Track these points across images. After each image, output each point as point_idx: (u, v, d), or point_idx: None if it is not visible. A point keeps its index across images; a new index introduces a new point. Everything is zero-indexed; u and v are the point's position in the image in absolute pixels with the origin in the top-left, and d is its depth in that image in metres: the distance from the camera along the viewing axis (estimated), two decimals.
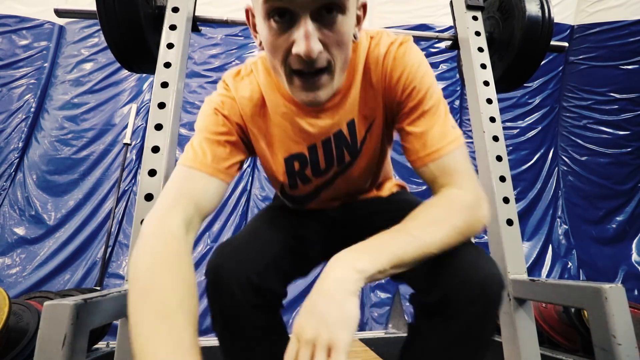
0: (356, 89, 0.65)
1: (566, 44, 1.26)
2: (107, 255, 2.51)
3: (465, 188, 0.59)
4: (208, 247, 2.72)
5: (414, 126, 0.62)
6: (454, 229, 0.53)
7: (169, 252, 0.50)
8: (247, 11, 0.61)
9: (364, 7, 0.60)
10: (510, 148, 3.20)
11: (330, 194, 0.76)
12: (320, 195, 0.76)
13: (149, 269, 0.47)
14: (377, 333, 2.55)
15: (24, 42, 3.04)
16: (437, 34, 1.44)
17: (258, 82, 0.67)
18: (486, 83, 1.07)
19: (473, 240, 0.59)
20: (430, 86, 0.63)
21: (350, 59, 0.62)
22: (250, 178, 2.97)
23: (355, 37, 0.59)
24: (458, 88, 3.26)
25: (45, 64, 3.03)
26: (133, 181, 2.89)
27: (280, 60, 0.53)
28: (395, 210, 0.64)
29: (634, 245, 3.03)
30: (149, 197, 0.84)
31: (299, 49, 0.49)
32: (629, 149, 3.17)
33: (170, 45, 0.98)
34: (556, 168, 3.34)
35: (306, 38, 0.49)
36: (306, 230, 0.77)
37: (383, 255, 0.49)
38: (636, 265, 2.97)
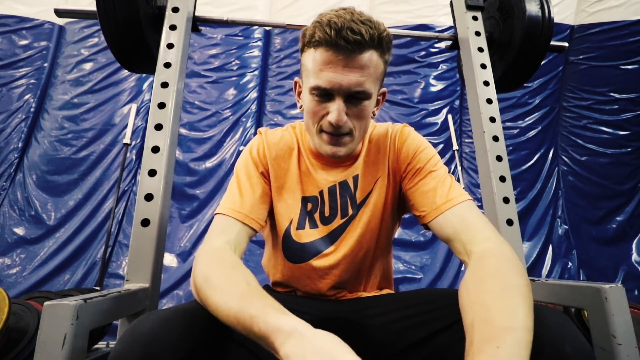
0: (362, 155, 0.81)
1: (566, 44, 1.26)
2: (107, 255, 2.51)
3: (494, 240, 0.58)
4: None
5: (424, 183, 0.73)
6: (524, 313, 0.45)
7: (225, 258, 0.60)
8: (295, 83, 0.79)
9: (383, 94, 0.79)
10: (510, 148, 3.20)
11: (331, 263, 0.77)
12: (321, 254, 0.77)
13: (214, 270, 0.56)
14: None
15: (24, 42, 3.04)
16: (437, 34, 1.44)
17: (292, 134, 0.83)
18: (486, 83, 1.07)
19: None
20: (436, 156, 0.77)
21: None
22: None
23: (373, 114, 0.76)
24: (458, 88, 3.26)
25: (45, 64, 3.03)
26: (133, 181, 2.89)
27: (315, 122, 0.72)
28: (390, 303, 0.71)
29: (634, 245, 3.03)
30: (149, 197, 0.84)
31: (331, 117, 0.67)
32: (629, 149, 3.17)
33: (170, 45, 0.98)
34: (556, 168, 3.34)
35: (338, 112, 0.67)
36: None
37: None
38: (636, 265, 2.97)
